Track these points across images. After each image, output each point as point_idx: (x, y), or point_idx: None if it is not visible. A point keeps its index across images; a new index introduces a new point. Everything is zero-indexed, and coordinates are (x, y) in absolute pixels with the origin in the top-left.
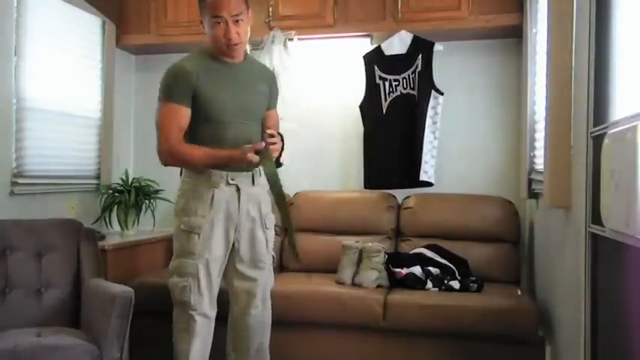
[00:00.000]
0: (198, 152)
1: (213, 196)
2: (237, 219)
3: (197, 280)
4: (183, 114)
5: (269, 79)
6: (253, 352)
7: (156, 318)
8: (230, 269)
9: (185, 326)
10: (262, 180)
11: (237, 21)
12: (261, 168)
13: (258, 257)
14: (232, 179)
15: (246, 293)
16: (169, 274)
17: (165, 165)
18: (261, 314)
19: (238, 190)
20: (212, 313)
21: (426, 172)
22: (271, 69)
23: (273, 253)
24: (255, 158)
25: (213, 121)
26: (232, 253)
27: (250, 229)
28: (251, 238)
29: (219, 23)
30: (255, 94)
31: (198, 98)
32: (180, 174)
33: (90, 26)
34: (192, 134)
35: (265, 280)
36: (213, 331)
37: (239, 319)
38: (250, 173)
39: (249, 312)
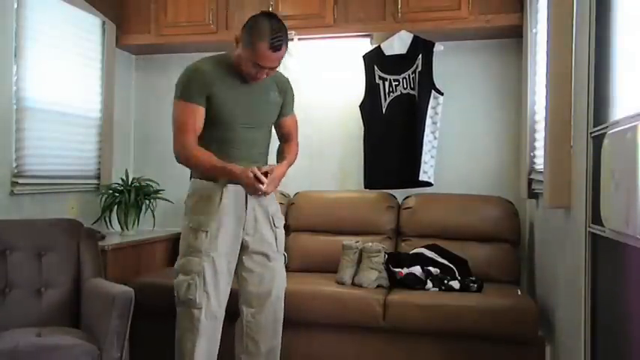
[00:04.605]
0: (206, 163)
1: (221, 195)
2: (245, 217)
3: (203, 277)
4: (199, 113)
5: (283, 86)
6: (265, 353)
7: (156, 318)
8: (240, 268)
9: (189, 326)
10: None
11: (272, 68)
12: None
13: (267, 254)
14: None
15: (257, 292)
16: (175, 274)
17: (178, 162)
18: (272, 313)
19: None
20: (219, 313)
21: (425, 172)
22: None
23: (285, 253)
24: (256, 188)
25: (223, 125)
26: (241, 251)
27: (257, 227)
28: (259, 235)
29: (257, 65)
30: (266, 104)
31: (211, 101)
32: (190, 177)
33: (90, 26)
34: (202, 134)
35: (276, 279)
36: (220, 332)
37: (250, 318)
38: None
39: (262, 311)
